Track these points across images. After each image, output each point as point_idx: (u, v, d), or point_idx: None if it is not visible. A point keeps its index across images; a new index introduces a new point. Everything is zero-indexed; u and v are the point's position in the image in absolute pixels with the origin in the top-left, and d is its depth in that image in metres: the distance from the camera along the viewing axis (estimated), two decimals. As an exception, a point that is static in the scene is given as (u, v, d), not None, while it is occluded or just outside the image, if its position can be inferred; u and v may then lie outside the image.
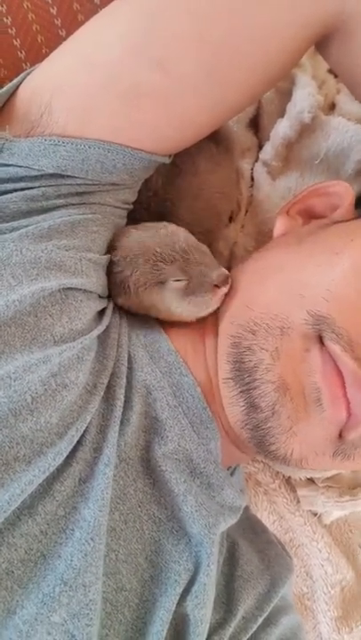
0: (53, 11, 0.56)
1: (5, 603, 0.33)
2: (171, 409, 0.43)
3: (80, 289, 0.42)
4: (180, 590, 0.39)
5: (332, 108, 0.67)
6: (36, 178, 0.43)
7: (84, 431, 0.38)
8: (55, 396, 0.36)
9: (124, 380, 0.43)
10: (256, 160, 0.64)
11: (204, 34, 0.42)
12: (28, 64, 0.54)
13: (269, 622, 0.46)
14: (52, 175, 0.43)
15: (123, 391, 0.42)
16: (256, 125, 0.66)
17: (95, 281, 0.44)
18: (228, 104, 0.47)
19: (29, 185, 0.43)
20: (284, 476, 0.64)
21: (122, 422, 0.41)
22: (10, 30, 0.52)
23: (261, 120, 0.65)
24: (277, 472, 0.64)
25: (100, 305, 0.44)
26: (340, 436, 0.41)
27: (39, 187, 0.43)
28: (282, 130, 0.61)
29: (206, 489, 0.43)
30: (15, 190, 0.42)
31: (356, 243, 0.43)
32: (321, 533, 0.65)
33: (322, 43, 0.49)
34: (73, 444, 0.37)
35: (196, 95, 0.44)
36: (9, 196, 0.42)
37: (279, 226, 0.53)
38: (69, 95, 0.43)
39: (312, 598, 0.65)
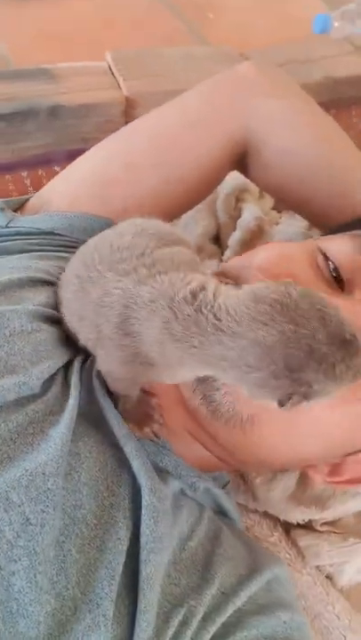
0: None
1: None
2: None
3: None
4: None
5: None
6: (34, 234, 0.59)
7: (55, 373, 0.44)
8: (31, 334, 0.44)
9: None
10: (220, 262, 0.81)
11: (160, 153, 0.63)
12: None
13: (261, 611, 0.42)
14: (47, 233, 0.59)
15: None
16: (218, 241, 0.85)
17: None
18: (178, 200, 0.66)
19: (30, 238, 0.59)
20: (282, 527, 0.61)
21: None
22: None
23: (221, 236, 0.84)
24: (275, 523, 0.61)
25: None
26: None
27: (36, 239, 0.59)
28: (234, 238, 0.80)
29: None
30: (20, 240, 0.59)
31: None
32: (335, 595, 0.58)
33: (241, 163, 0.68)
34: (45, 377, 0.43)
35: (153, 189, 0.63)
36: (15, 242, 0.58)
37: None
38: (60, 189, 0.63)
39: None
